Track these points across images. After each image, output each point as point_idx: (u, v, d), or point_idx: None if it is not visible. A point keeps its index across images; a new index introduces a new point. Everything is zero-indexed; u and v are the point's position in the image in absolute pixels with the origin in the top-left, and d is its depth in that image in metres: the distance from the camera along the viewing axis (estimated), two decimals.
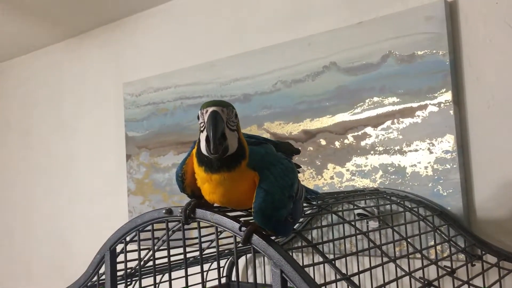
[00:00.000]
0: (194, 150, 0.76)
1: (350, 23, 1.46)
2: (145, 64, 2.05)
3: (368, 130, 1.40)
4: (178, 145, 1.87)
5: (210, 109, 0.69)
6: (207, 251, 1.02)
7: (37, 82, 2.54)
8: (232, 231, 0.71)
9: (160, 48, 2.01)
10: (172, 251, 0.85)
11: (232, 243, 0.76)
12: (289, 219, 0.75)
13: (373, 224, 1.34)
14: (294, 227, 0.80)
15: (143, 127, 2.00)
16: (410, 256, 1.06)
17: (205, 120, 0.70)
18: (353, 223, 1.01)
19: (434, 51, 1.29)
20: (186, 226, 0.80)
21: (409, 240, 1.01)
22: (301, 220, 1.34)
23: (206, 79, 1.79)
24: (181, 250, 0.83)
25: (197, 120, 0.73)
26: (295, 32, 1.59)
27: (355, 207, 1.20)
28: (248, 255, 1.59)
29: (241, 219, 0.72)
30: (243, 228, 0.71)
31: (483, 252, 1.17)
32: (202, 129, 0.71)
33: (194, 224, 0.82)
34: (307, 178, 1.51)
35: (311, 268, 1.40)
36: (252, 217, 0.73)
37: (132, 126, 2.03)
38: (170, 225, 0.84)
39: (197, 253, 1.17)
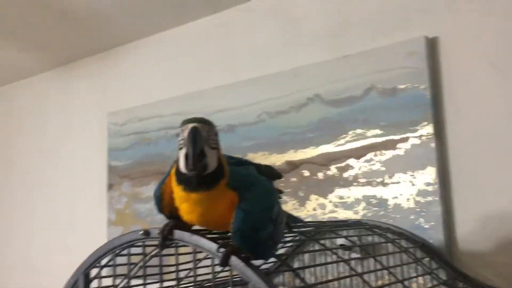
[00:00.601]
0: (173, 170, 0.75)
1: (336, 56, 1.49)
2: (131, 94, 2.06)
3: (351, 161, 1.41)
4: (161, 175, 1.84)
5: (190, 125, 0.69)
6: (186, 279, 1.00)
7: (21, 111, 2.52)
8: (210, 252, 0.70)
9: (145, 78, 2.02)
10: (150, 279, 0.82)
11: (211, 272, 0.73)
12: (270, 242, 0.74)
13: (355, 255, 1.32)
14: (275, 252, 0.79)
15: (126, 156, 1.98)
16: (391, 286, 1.05)
17: (185, 136, 0.69)
18: (335, 251, 1.00)
19: (415, 85, 1.32)
20: (165, 252, 0.78)
21: (390, 270, 1.00)
22: (284, 248, 1.33)
23: (191, 109, 1.80)
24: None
25: (176, 139, 0.72)
26: (281, 64, 1.62)
27: (338, 236, 1.19)
28: None
29: (220, 241, 0.70)
30: (222, 249, 0.69)
31: (465, 286, 1.16)
32: (180, 146, 0.71)
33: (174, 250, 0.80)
34: (290, 209, 1.50)
35: None
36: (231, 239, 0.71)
37: (115, 155, 2.01)
38: (149, 250, 0.81)
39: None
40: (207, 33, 1.85)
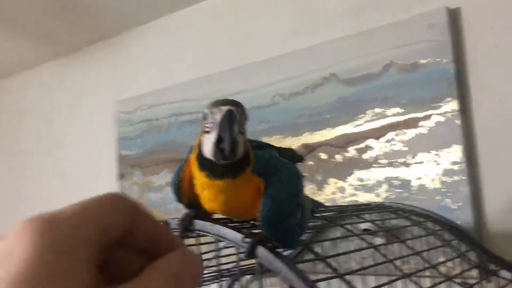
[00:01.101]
0: (193, 155, 0.70)
1: (351, 33, 1.42)
2: (140, 81, 2.00)
3: (371, 142, 1.35)
4: (173, 163, 1.81)
5: (225, 108, 0.62)
6: (207, 270, 0.95)
7: (28, 101, 2.48)
8: (234, 242, 0.65)
9: (154, 63, 1.96)
10: None
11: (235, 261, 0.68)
12: (298, 229, 0.69)
13: (379, 240, 1.27)
14: (301, 239, 0.74)
15: (136, 145, 1.93)
16: (421, 272, 1.00)
17: (218, 120, 0.62)
18: (362, 236, 0.94)
19: (437, 59, 1.25)
20: (186, 242, 0.73)
21: (422, 255, 0.94)
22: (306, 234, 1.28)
23: (202, 94, 1.74)
24: None
25: (203, 121, 0.66)
26: (294, 43, 1.55)
27: (361, 221, 1.14)
28: (248, 277, 1.51)
29: (245, 230, 0.65)
30: (247, 239, 0.64)
31: (497, 268, 1.11)
32: (208, 129, 0.64)
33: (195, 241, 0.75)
34: (308, 194, 1.45)
35: (323, 283, 1.32)
36: (255, 228, 0.66)
37: (125, 145, 1.97)
38: None
39: None
40: (216, 14, 1.79)
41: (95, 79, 2.18)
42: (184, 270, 0.29)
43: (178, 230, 0.71)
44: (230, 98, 0.66)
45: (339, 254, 0.76)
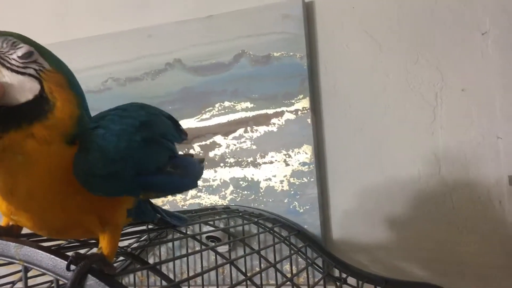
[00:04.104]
0: None
1: (198, 15, 1.27)
2: None
3: (218, 138, 1.22)
4: None
5: None
6: None
7: None
8: (54, 273, 0.44)
9: None
10: None
11: None
12: (170, 169, 0.52)
13: (224, 247, 1.15)
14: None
15: None
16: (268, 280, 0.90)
17: None
18: (201, 241, 0.80)
19: (291, 54, 1.18)
20: None
21: (277, 267, 0.84)
22: (137, 244, 1.08)
23: None
24: None
25: None
26: (132, 20, 1.34)
27: (209, 229, 1.00)
28: None
29: (72, 253, 0.44)
30: (72, 267, 0.44)
31: (343, 274, 1.07)
32: None
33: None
34: None
35: None
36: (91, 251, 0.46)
37: None
38: None
39: None
40: None
41: None
42: None
43: None
44: None
45: (170, 260, 0.60)
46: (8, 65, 0.45)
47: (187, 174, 0.56)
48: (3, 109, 0.43)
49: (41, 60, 0.48)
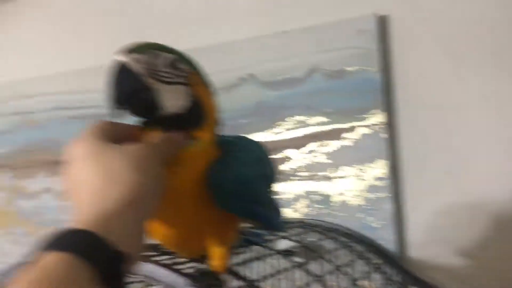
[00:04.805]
0: None
1: (272, 31, 1.29)
2: (12, 63, 1.67)
3: (291, 152, 1.23)
4: (51, 165, 1.52)
5: (117, 60, 0.48)
6: None
7: None
8: None
9: (34, 44, 1.65)
10: None
11: None
12: (272, 206, 0.56)
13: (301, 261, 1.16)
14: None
15: (5, 141, 1.60)
16: None
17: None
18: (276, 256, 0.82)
19: (364, 68, 1.17)
20: None
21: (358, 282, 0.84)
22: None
23: (95, 86, 1.49)
24: None
25: None
26: (208, 37, 1.38)
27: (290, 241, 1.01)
28: None
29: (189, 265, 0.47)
30: (186, 280, 0.46)
31: None
32: None
33: None
34: None
35: None
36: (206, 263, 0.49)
37: None
38: None
39: None
40: None
41: None
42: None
43: None
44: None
45: (269, 277, 0.62)
46: (162, 78, 0.48)
47: (279, 216, 0.59)
48: (167, 119, 0.47)
49: (183, 65, 0.51)
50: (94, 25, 1.56)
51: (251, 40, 1.31)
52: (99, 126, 0.47)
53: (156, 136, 0.47)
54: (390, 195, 1.13)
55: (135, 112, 0.48)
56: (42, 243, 0.36)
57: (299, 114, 1.23)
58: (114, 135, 0.47)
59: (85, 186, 0.41)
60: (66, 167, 0.46)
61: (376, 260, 1.08)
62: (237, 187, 0.49)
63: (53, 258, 0.34)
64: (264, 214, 0.54)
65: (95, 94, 1.48)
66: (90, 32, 1.57)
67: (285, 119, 1.24)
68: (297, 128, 1.23)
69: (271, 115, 1.26)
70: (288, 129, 1.24)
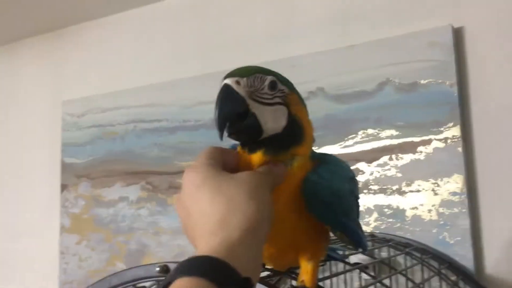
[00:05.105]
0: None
1: (341, 45, 1.30)
2: (91, 80, 1.78)
3: (361, 165, 1.23)
4: (128, 175, 1.60)
5: (222, 84, 0.50)
6: None
7: None
8: None
9: (110, 62, 1.75)
10: None
11: None
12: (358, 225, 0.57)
13: (366, 275, 1.15)
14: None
15: (84, 152, 1.70)
16: None
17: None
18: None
19: (439, 81, 1.16)
20: None
21: None
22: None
23: (166, 100, 1.56)
24: None
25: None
26: (276, 52, 1.41)
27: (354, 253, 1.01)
28: None
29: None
30: None
31: None
32: None
33: None
34: None
35: None
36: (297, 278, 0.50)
37: (71, 152, 1.73)
38: None
39: None
40: (183, 15, 1.61)
41: (37, 74, 1.91)
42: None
43: None
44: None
45: None
46: (264, 100, 0.50)
47: (364, 235, 0.59)
48: (268, 140, 0.49)
49: (281, 85, 0.52)
50: (167, 43, 1.63)
51: (320, 54, 1.32)
52: (209, 153, 0.49)
53: (261, 163, 0.49)
54: (465, 210, 1.10)
55: (239, 135, 0.50)
56: (172, 270, 0.39)
57: (370, 127, 1.23)
58: (222, 162, 0.49)
59: (205, 214, 0.43)
60: (181, 194, 0.47)
61: (452, 276, 1.05)
62: (331, 197, 0.50)
63: (185, 283, 0.36)
64: (355, 229, 0.55)
65: (168, 108, 1.55)
66: (163, 49, 1.64)
67: (356, 132, 1.25)
68: (367, 141, 1.23)
69: (341, 128, 1.27)
70: (358, 142, 1.24)
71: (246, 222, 0.41)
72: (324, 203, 0.50)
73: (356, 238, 0.55)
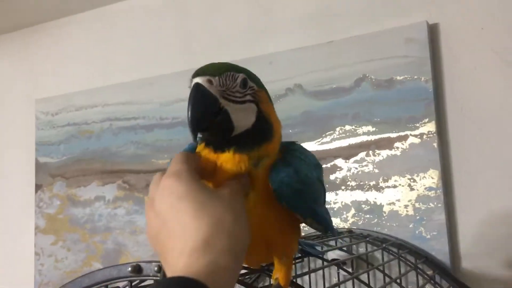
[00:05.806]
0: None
1: (318, 42, 1.30)
2: (66, 78, 1.74)
3: (339, 162, 1.23)
4: (104, 174, 1.57)
5: (192, 83, 0.50)
6: None
7: None
8: None
9: (85, 59, 1.72)
10: None
11: None
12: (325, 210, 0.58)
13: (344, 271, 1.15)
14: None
15: (59, 151, 1.67)
16: None
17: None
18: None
19: (415, 77, 1.17)
20: None
21: None
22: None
23: (143, 98, 1.54)
24: None
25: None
26: (254, 48, 1.41)
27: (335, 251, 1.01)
28: None
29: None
30: None
31: None
32: None
33: None
34: None
35: None
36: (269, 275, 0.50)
37: (45, 150, 1.69)
38: None
39: None
40: (161, 11, 1.59)
41: (10, 71, 1.87)
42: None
43: (159, 278, 0.52)
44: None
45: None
46: (235, 99, 0.49)
47: (331, 220, 0.60)
48: (237, 137, 0.49)
49: (251, 83, 0.51)
50: (145, 40, 1.61)
51: (298, 51, 1.32)
52: (186, 160, 0.47)
53: (232, 162, 0.48)
54: (441, 205, 1.11)
55: (210, 134, 0.49)
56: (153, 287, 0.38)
57: (347, 124, 1.23)
58: (196, 167, 0.47)
59: (187, 228, 0.41)
60: (157, 201, 0.45)
61: (429, 271, 1.06)
62: (300, 184, 0.50)
63: None
64: (324, 216, 0.54)
65: (144, 105, 1.53)
66: (140, 46, 1.61)
67: (333, 129, 1.25)
68: (345, 137, 1.23)
69: (319, 125, 1.27)
70: (335, 139, 1.24)
71: (233, 246, 0.41)
72: (294, 191, 0.49)
73: (325, 223, 0.55)
